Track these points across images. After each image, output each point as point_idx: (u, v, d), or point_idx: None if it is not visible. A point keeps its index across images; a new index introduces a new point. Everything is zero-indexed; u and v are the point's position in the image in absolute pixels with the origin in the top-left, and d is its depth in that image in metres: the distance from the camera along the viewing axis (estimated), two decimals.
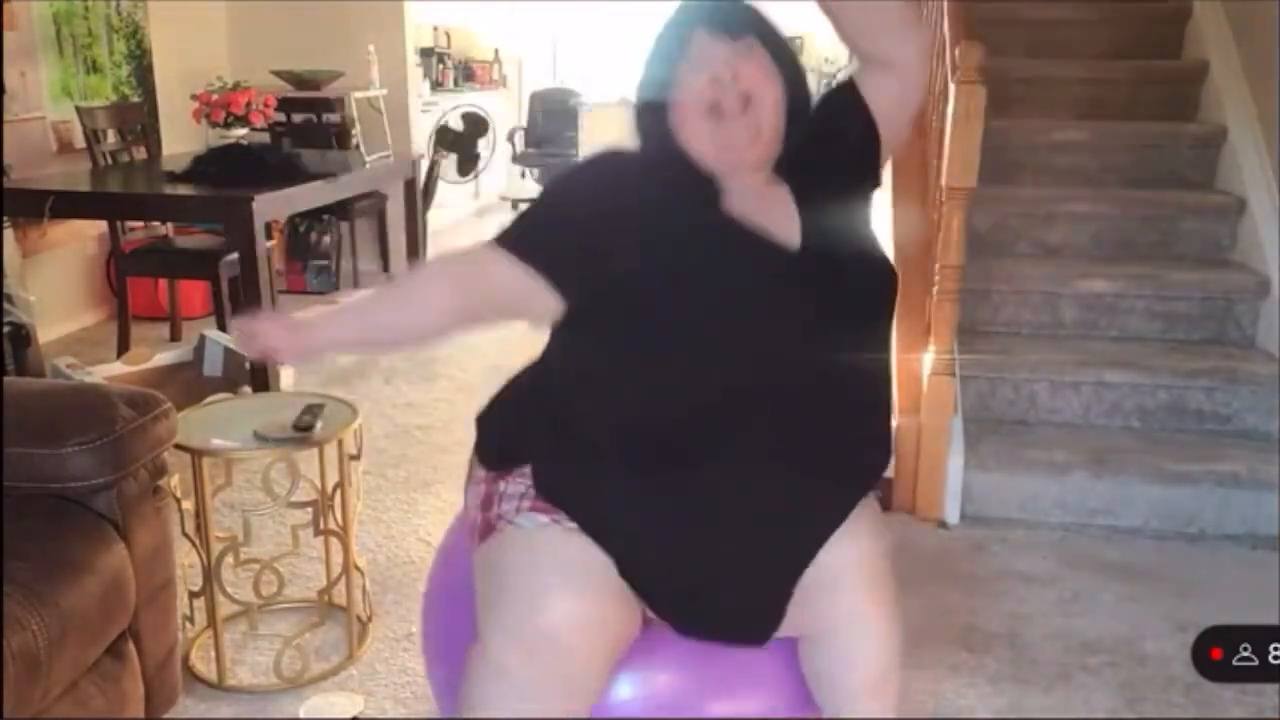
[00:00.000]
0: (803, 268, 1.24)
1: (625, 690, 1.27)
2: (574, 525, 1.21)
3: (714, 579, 1.23)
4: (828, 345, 1.22)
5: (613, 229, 1.19)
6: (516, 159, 7.46)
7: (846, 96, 1.31)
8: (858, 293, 1.26)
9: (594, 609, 1.15)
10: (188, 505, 1.91)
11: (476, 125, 5.22)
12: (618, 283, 1.20)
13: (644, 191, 1.23)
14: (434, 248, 5.08)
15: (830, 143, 1.31)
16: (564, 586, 1.16)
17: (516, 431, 1.33)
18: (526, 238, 1.22)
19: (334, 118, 4.95)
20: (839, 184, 1.32)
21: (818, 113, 1.32)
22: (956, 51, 2.52)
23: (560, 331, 1.29)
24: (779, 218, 1.26)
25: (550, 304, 1.21)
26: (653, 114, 1.26)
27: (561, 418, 1.27)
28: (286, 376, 3.44)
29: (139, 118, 4.23)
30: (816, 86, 7.02)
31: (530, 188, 7.52)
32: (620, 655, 1.21)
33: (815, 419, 1.22)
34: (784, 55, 1.26)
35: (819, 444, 1.24)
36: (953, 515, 2.67)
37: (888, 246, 2.99)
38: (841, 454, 1.26)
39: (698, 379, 1.19)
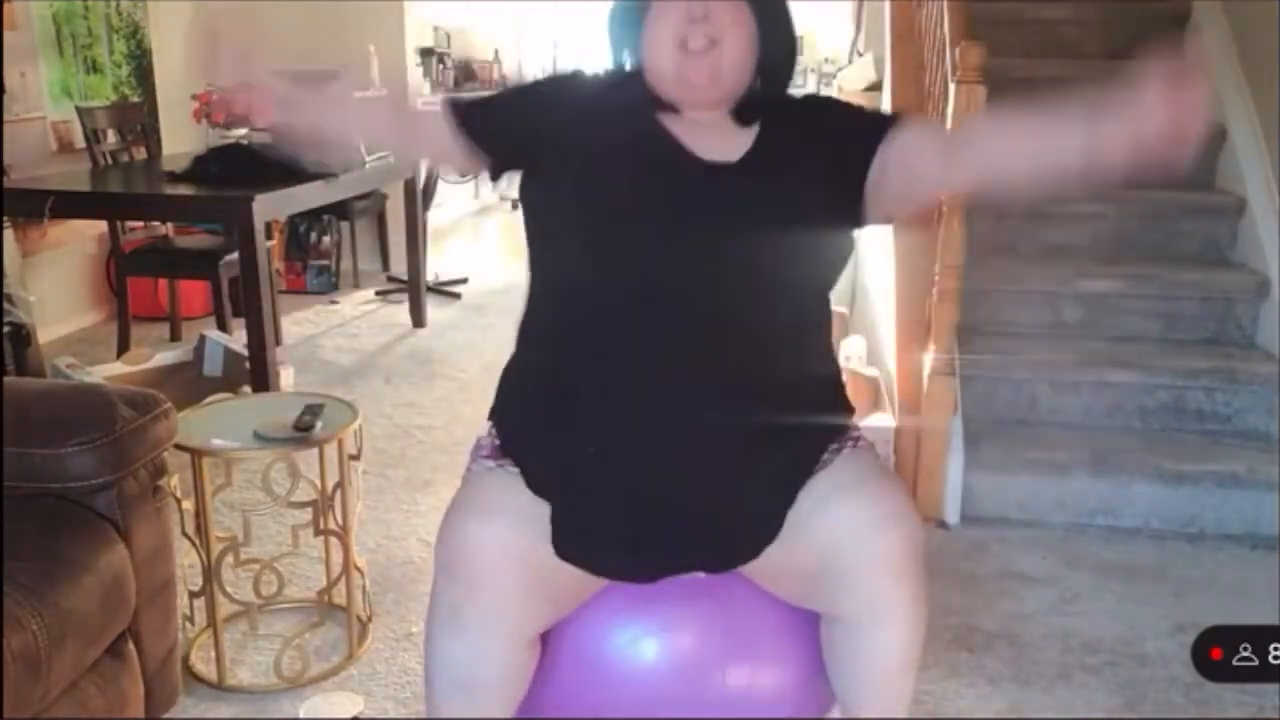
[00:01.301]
0: (718, 184, 1.27)
1: (648, 650, 1.31)
2: (516, 470, 1.29)
3: (642, 513, 1.25)
4: (740, 268, 1.24)
5: (544, 110, 1.34)
6: None
7: (871, 130, 1.33)
8: (778, 228, 1.26)
9: (505, 534, 1.20)
10: (188, 505, 1.91)
11: None
12: (545, 172, 1.31)
13: (591, 97, 1.37)
14: (434, 248, 5.09)
15: (824, 139, 1.33)
16: (480, 513, 1.24)
17: (498, 389, 1.42)
18: (470, 106, 1.38)
19: None
20: (812, 167, 1.31)
21: (839, 113, 1.38)
22: (956, 51, 2.51)
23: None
24: (721, 140, 1.30)
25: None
26: (625, 27, 1.34)
27: (514, 361, 1.38)
28: (286, 376, 3.44)
29: (139, 118, 4.23)
30: (817, 87, 7.04)
31: None
32: (556, 600, 1.25)
33: (721, 335, 1.25)
34: (767, 9, 1.31)
35: (726, 360, 1.25)
36: (953, 515, 2.67)
37: (888, 248, 2.99)
38: (752, 373, 1.27)
39: (607, 278, 1.26)
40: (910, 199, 1.37)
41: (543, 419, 1.31)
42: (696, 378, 1.25)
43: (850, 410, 1.39)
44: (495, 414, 1.41)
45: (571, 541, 1.23)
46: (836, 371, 1.42)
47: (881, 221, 1.39)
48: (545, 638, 1.30)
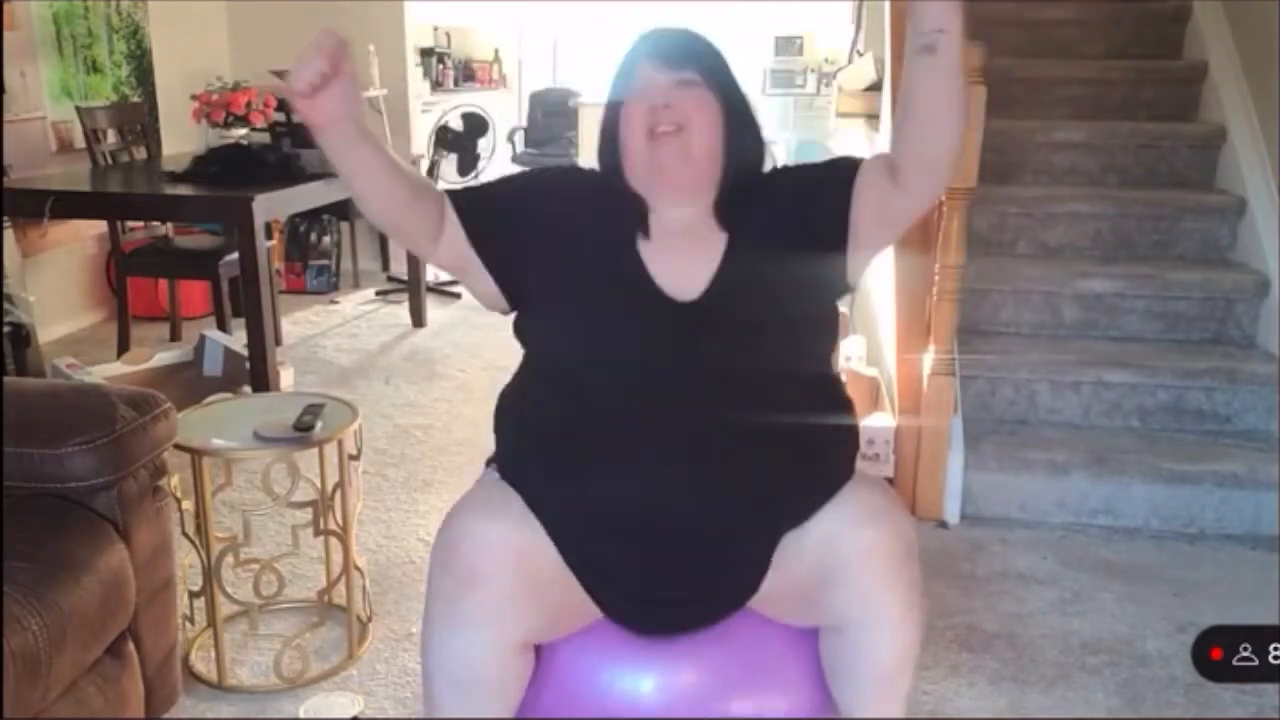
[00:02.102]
0: (688, 321, 1.30)
1: (648, 687, 1.30)
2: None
3: (633, 580, 1.28)
4: (711, 396, 1.27)
5: (538, 223, 1.36)
6: (516, 159, 7.44)
7: (836, 188, 1.34)
8: (750, 355, 1.29)
9: (504, 531, 1.23)
10: (188, 505, 1.91)
11: (476, 125, 5.21)
12: (530, 274, 1.35)
13: (579, 205, 1.39)
14: None
15: (794, 214, 1.35)
16: (481, 511, 1.27)
17: (496, 430, 1.44)
18: (468, 195, 1.41)
19: None
20: (790, 249, 1.33)
21: (799, 181, 1.40)
22: None
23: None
24: (689, 266, 1.33)
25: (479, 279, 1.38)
26: (607, 139, 1.39)
27: (507, 411, 1.41)
28: (286, 376, 3.44)
29: (139, 118, 4.23)
30: (816, 86, 7.02)
31: None
32: (550, 608, 1.26)
33: (705, 457, 1.26)
34: (728, 93, 1.35)
35: (710, 479, 1.26)
36: (953, 515, 2.67)
37: (889, 249, 2.99)
38: (757, 458, 1.28)
39: (584, 392, 1.30)
40: (893, 228, 1.38)
41: (543, 487, 1.31)
42: (692, 470, 1.26)
43: (853, 455, 1.39)
44: (497, 458, 1.43)
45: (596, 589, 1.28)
46: (846, 424, 1.40)
47: (869, 257, 1.40)
48: (541, 659, 1.30)
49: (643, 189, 1.36)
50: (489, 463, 1.44)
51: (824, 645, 1.33)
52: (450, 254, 1.37)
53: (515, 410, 1.40)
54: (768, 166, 1.43)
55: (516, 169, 7.59)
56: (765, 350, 1.30)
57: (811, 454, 1.32)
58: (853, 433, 1.40)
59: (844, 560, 1.23)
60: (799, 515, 1.28)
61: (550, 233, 1.36)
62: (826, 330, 1.40)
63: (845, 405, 1.39)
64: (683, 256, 1.34)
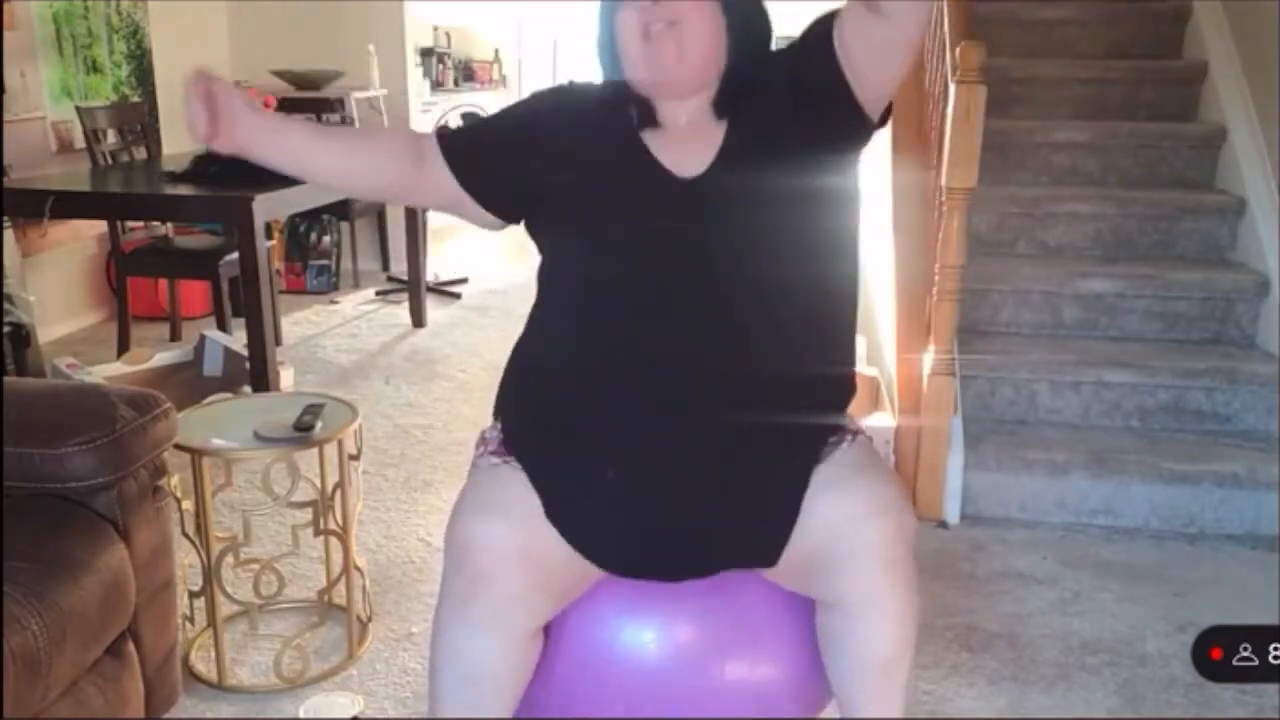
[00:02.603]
0: (690, 199, 1.30)
1: (648, 642, 1.33)
2: (519, 466, 1.32)
3: (640, 516, 1.29)
4: (719, 275, 1.28)
5: (536, 147, 1.36)
6: None
7: (818, 46, 1.31)
8: (757, 231, 1.29)
9: (509, 532, 1.24)
10: (188, 505, 1.91)
11: None
12: (536, 195, 1.36)
13: (576, 115, 1.40)
14: (434, 248, 5.09)
15: (792, 93, 1.33)
16: (485, 511, 1.27)
17: (501, 384, 1.45)
18: (460, 138, 1.43)
19: (334, 118, 4.95)
20: (791, 133, 1.32)
21: (789, 58, 1.37)
22: (956, 51, 2.51)
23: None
24: (692, 150, 1.33)
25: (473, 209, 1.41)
26: (603, 43, 1.37)
27: (518, 360, 1.42)
28: (286, 376, 3.44)
29: (139, 118, 4.23)
30: None
31: None
32: (558, 593, 1.28)
33: (718, 346, 1.28)
34: None
35: (726, 371, 1.28)
36: (953, 515, 2.67)
37: (888, 248, 2.99)
38: (756, 383, 1.29)
39: (601, 291, 1.31)
40: (889, 63, 1.31)
41: (547, 422, 1.34)
42: (701, 378, 1.28)
43: (854, 391, 1.41)
44: (499, 412, 1.44)
45: (576, 536, 1.27)
46: (847, 368, 1.41)
47: (886, 94, 1.34)
48: (547, 629, 1.32)
49: (642, 89, 1.35)
50: (484, 437, 1.42)
51: (821, 623, 1.33)
52: (440, 193, 1.40)
53: (523, 348, 1.41)
54: None
55: None
56: (772, 225, 1.30)
57: (831, 379, 1.35)
58: (851, 355, 1.42)
59: (850, 549, 1.24)
60: (813, 452, 1.30)
61: (552, 145, 1.36)
62: (841, 202, 1.36)
63: (852, 301, 1.40)
64: (686, 143, 1.34)
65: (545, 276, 1.39)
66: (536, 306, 1.41)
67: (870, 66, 1.28)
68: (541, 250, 1.40)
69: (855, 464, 1.32)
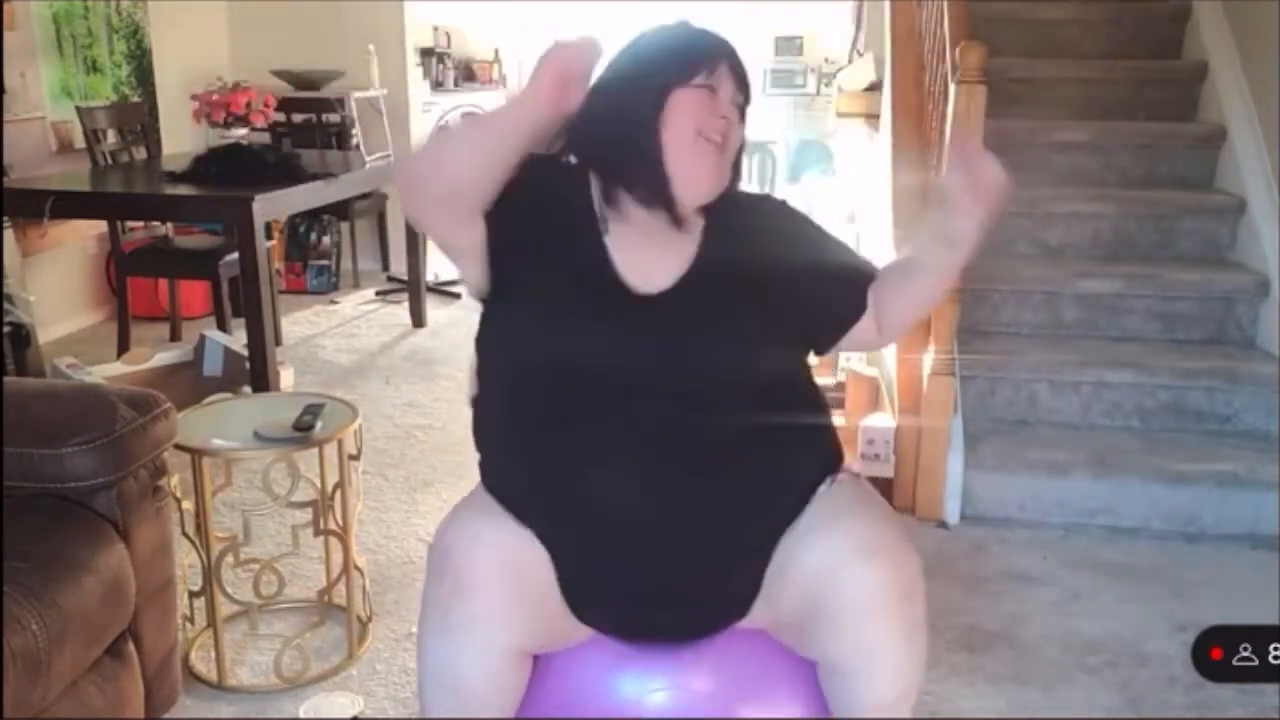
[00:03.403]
0: (654, 315, 1.28)
1: (651, 696, 1.30)
2: None
3: (629, 585, 1.27)
4: (680, 387, 1.25)
5: (526, 219, 1.29)
6: None
7: (856, 284, 1.42)
8: (717, 345, 1.28)
9: (498, 537, 1.22)
10: (188, 505, 1.91)
11: None
12: (509, 268, 1.31)
13: (552, 199, 1.32)
14: (434, 248, 5.08)
15: (800, 280, 1.35)
16: (476, 516, 1.26)
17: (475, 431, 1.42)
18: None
19: (334, 118, 4.95)
20: (761, 278, 1.32)
21: (817, 258, 1.39)
22: (956, 51, 2.51)
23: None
24: (658, 260, 1.30)
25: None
26: (630, 116, 1.29)
27: (480, 424, 1.38)
28: (286, 376, 3.44)
29: (139, 118, 4.23)
30: (816, 86, 7.01)
31: None
32: (543, 621, 1.24)
33: (675, 448, 1.24)
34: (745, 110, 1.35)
35: (690, 463, 1.25)
36: (953, 515, 2.67)
37: (888, 248, 2.99)
38: (729, 446, 1.26)
39: (565, 388, 1.27)
40: (857, 348, 1.44)
41: (525, 499, 1.30)
42: (669, 457, 1.24)
43: (840, 458, 1.37)
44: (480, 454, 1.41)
45: (577, 599, 1.26)
46: (821, 420, 1.38)
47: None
48: (537, 667, 1.29)
49: (667, 178, 1.29)
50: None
51: (822, 679, 1.29)
52: (471, 238, 1.30)
53: (487, 422, 1.37)
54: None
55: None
56: (725, 347, 1.29)
57: (782, 451, 1.29)
58: (827, 430, 1.38)
59: (841, 603, 1.18)
60: (782, 514, 1.26)
61: (531, 227, 1.31)
62: (798, 341, 1.39)
63: (817, 402, 1.38)
64: (652, 249, 1.31)
65: (498, 347, 1.35)
66: (489, 372, 1.36)
67: (844, 345, 1.45)
68: (492, 317, 1.36)
69: (839, 508, 1.26)
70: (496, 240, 1.29)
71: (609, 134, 1.31)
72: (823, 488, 1.30)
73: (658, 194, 1.29)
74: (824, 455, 1.35)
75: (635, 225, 1.32)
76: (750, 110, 1.35)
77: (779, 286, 1.32)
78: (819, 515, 1.26)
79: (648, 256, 1.30)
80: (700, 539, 1.26)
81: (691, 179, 1.29)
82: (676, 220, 1.31)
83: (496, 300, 1.34)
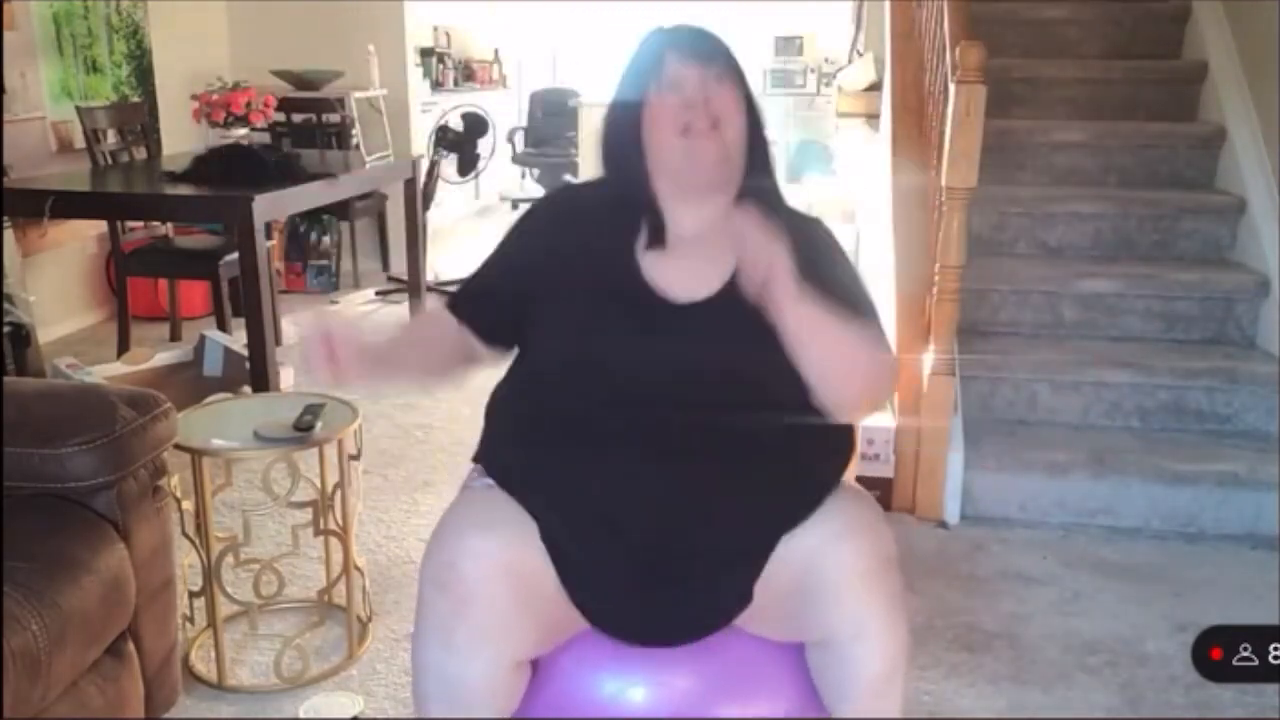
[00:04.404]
0: (686, 321, 1.29)
1: (638, 694, 1.30)
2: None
3: (626, 582, 1.26)
4: (703, 400, 1.26)
5: (533, 274, 1.35)
6: (516, 159, 7.45)
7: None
8: (749, 360, 1.27)
9: (498, 548, 1.22)
10: (188, 505, 1.91)
11: (476, 125, 5.21)
12: (538, 315, 1.35)
13: (575, 226, 1.38)
14: (434, 248, 5.09)
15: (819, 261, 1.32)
16: (474, 527, 1.25)
17: (483, 441, 1.44)
18: (463, 300, 1.43)
19: (334, 118, 4.95)
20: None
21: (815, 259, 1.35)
22: (956, 51, 2.52)
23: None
24: (698, 271, 1.32)
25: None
26: (621, 138, 1.35)
27: (498, 405, 1.41)
28: (286, 376, 3.44)
29: (139, 118, 4.23)
30: (816, 86, 7.00)
31: (531, 188, 7.52)
32: (545, 625, 1.25)
33: (693, 462, 1.25)
34: (749, 90, 1.36)
35: (712, 479, 1.26)
36: (953, 515, 2.67)
37: (888, 248, 3.00)
38: (743, 489, 1.27)
39: (575, 392, 1.29)
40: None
41: (528, 482, 1.31)
42: (677, 474, 1.25)
43: (847, 463, 1.38)
44: (481, 462, 1.42)
45: (576, 591, 1.26)
46: (839, 436, 1.38)
47: None
48: (534, 675, 1.29)
49: (670, 186, 1.33)
50: (475, 460, 1.43)
51: (812, 659, 1.31)
52: (508, 337, 1.40)
53: (506, 406, 1.39)
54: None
55: (517, 169, 7.62)
56: (766, 356, 1.27)
57: (800, 463, 1.30)
58: (848, 446, 1.39)
59: (825, 578, 1.22)
60: (787, 521, 1.27)
61: (549, 265, 1.35)
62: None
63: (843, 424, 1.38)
64: (692, 262, 1.33)
65: (531, 355, 1.38)
66: (516, 384, 1.39)
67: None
68: (527, 344, 1.39)
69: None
70: (520, 293, 1.36)
71: (607, 155, 1.39)
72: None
73: (642, 207, 1.33)
74: (839, 464, 1.36)
75: (678, 235, 1.34)
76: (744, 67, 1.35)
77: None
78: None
79: (686, 267, 1.32)
80: (705, 542, 1.26)
81: (685, 169, 1.31)
82: (660, 233, 1.33)
83: (536, 320, 1.37)
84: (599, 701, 1.31)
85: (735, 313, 1.25)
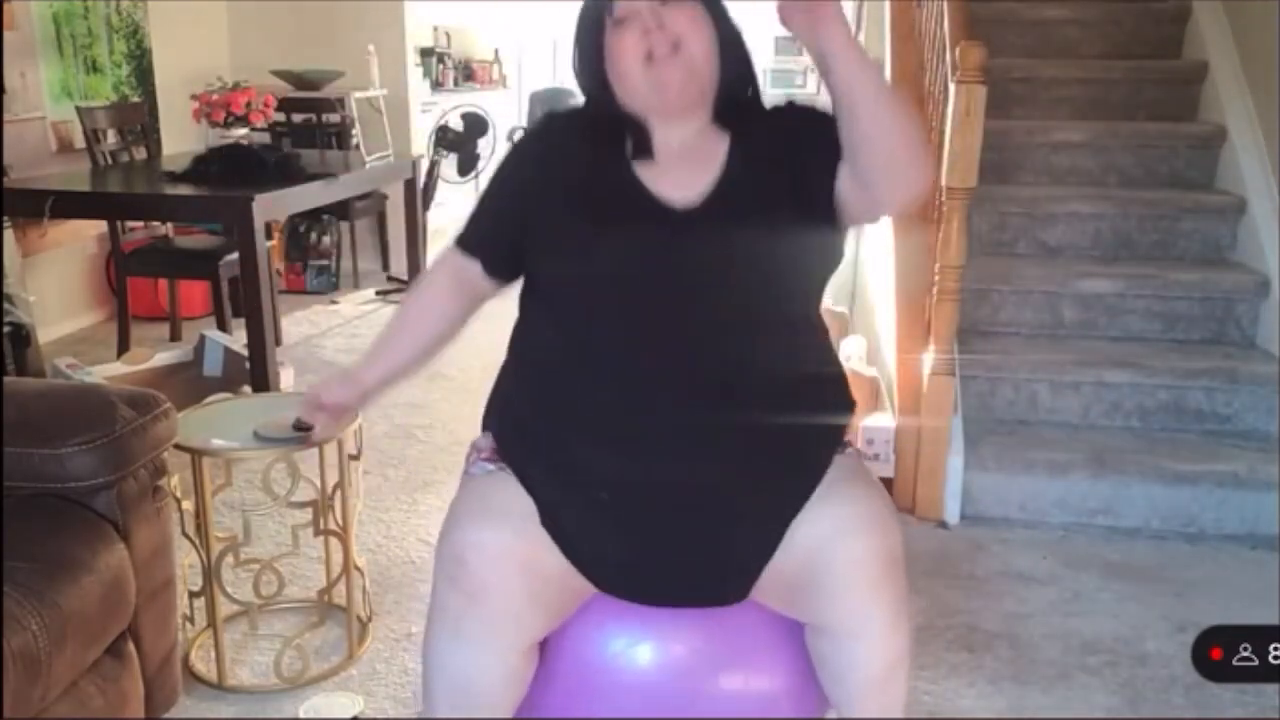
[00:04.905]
0: (688, 227, 1.29)
1: (642, 656, 1.32)
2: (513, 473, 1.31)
3: (635, 540, 1.27)
4: (718, 304, 1.27)
5: (530, 198, 1.36)
6: None
7: (822, 170, 1.30)
8: (747, 266, 1.28)
9: (508, 541, 1.22)
10: (188, 505, 1.91)
11: (476, 125, 5.21)
12: (538, 244, 1.35)
13: (564, 149, 1.38)
14: (434, 248, 5.08)
15: (798, 156, 1.32)
16: (482, 519, 1.25)
17: (489, 403, 1.47)
18: (469, 234, 1.45)
19: (334, 118, 4.95)
20: (789, 185, 1.32)
21: (808, 124, 1.35)
22: (956, 51, 2.51)
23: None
24: (690, 176, 1.32)
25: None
26: (589, 71, 1.36)
27: (506, 382, 1.44)
28: (286, 376, 3.44)
29: (139, 118, 4.23)
30: (816, 86, 7.00)
31: None
32: (554, 609, 1.26)
33: (711, 377, 1.27)
34: (712, 3, 1.34)
35: (717, 400, 1.26)
36: (953, 515, 2.67)
37: (888, 248, 2.99)
38: (750, 386, 1.28)
39: (596, 333, 1.30)
40: (872, 215, 1.35)
41: (535, 445, 1.32)
42: (690, 396, 1.26)
43: (852, 407, 1.39)
44: (487, 427, 1.44)
45: (573, 550, 1.25)
46: (835, 369, 1.42)
47: (866, 221, 1.39)
48: (541, 645, 1.30)
49: (644, 111, 1.33)
50: (476, 445, 1.42)
51: (811, 644, 1.32)
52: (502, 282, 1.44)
53: (517, 352, 1.41)
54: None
55: None
56: (762, 262, 1.29)
57: (803, 399, 1.32)
58: (841, 382, 1.40)
59: (832, 569, 1.22)
60: (796, 473, 1.28)
61: (545, 189, 1.35)
62: (823, 261, 1.35)
63: (831, 357, 1.40)
64: (682, 168, 1.32)
65: (535, 302, 1.39)
66: (524, 330, 1.40)
67: (858, 216, 1.32)
68: (532, 277, 1.40)
69: (837, 479, 1.30)
70: (518, 221, 1.37)
71: (582, 88, 1.40)
72: (837, 456, 1.33)
73: (623, 123, 1.34)
74: (844, 398, 1.39)
75: (665, 148, 1.34)
76: None
77: (796, 177, 1.31)
78: (823, 484, 1.29)
79: (675, 175, 1.32)
80: (714, 500, 1.27)
81: (654, 95, 1.31)
82: (646, 146, 1.33)
83: (536, 252, 1.37)
84: (600, 666, 1.33)
85: (730, 216, 1.28)
